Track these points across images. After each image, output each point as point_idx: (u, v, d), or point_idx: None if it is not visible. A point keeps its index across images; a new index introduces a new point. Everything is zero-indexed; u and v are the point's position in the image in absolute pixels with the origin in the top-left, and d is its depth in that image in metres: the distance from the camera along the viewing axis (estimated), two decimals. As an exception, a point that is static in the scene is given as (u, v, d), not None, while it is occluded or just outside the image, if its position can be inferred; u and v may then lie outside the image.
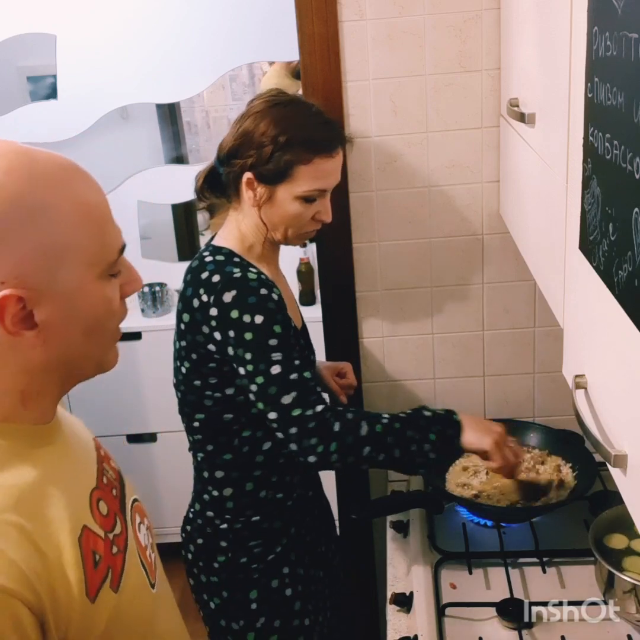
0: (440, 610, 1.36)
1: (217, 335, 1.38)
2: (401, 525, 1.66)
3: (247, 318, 1.35)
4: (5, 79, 3.02)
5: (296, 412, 1.33)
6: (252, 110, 1.42)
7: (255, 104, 1.44)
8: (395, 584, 1.51)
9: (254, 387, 1.36)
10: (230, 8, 2.49)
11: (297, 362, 1.36)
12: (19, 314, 0.75)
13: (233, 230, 1.48)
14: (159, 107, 3.15)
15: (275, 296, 1.39)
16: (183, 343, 1.46)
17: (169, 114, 3.21)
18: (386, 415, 1.38)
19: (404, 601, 1.42)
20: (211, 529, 1.51)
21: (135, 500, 0.99)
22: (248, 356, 1.35)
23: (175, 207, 3.15)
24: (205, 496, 1.53)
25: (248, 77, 3.70)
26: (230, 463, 1.48)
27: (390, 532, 1.67)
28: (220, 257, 1.43)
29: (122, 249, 0.83)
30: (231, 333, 1.36)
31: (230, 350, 1.38)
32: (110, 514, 0.87)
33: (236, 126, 1.43)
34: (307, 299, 2.79)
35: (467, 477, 1.67)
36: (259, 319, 1.35)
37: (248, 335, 1.35)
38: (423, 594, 1.41)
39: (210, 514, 1.52)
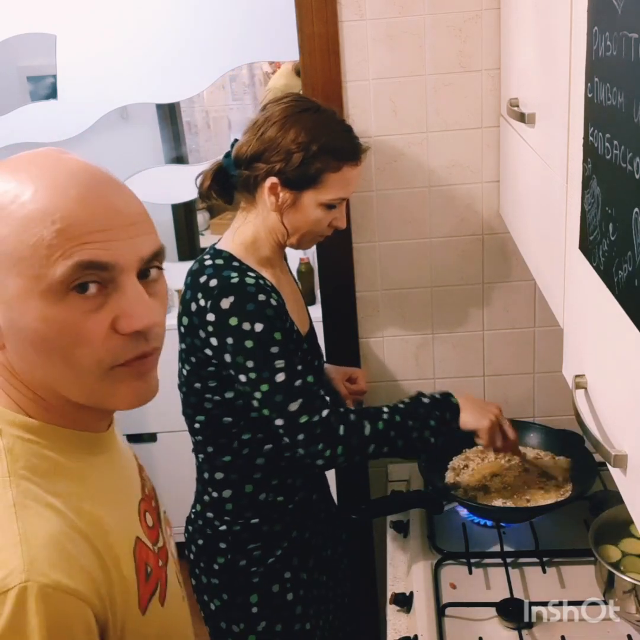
0: (440, 610, 1.36)
1: (214, 341, 1.38)
2: (401, 525, 1.66)
3: (246, 326, 1.34)
4: (5, 79, 3.02)
5: (303, 419, 1.35)
6: (277, 116, 1.41)
7: (278, 110, 1.42)
8: (395, 584, 1.51)
9: (258, 394, 1.36)
10: (230, 8, 2.49)
11: (299, 367, 1.37)
12: None
13: (241, 233, 1.47)
14: (159, 107, 3.15)
15: (273, 301, 1.38)
16: (183, 346, 1.46)
17: (169, 114, 3.21)
18: (386, 409, 1.42)
19: (404, 601, 1.42)
20: (211, 530, 1.51)
21: (164, 511, 0.98)
22: (250, 364, 1.35)
23: (175, 207, 3.15)
24: (206, 497, 1.53)
25: (248, 77, 3.70)
26: (229, 465, 1.48)
27: (390, 532, 1.67)
28: (219, 261, 1.42)
29: (92, 265, 0.71)
30: (230, 340, 1.36)
31: (228, 357, 1.37)
32: (154, 526, 0.87)
33: (257, 131, 1.42)
34: (307, 299, 2.78)
35: (455, 477, 1.67)
36: (259, 326, 1.35)
37: (249, 343, 1.35)
38: (423, 594, 1.41)
39: (210, 515, 1.52)
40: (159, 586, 0.81)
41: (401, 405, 1.45)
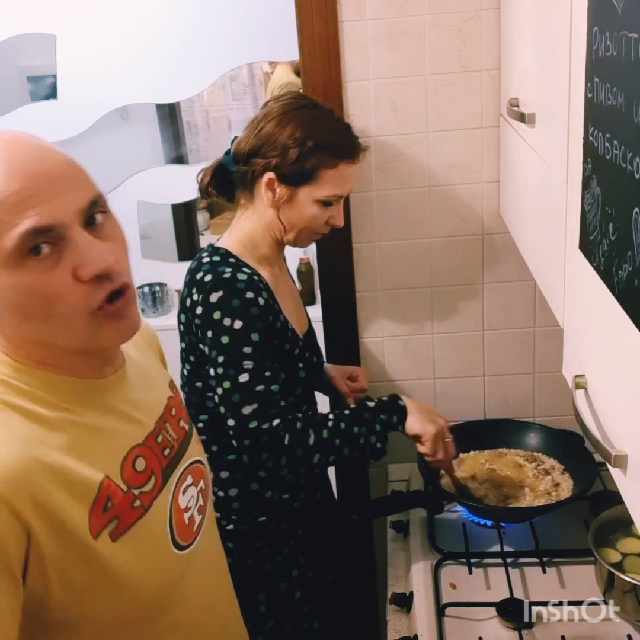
0: (440, 610, 1.36)
1: (199, 334, 1.40)
2: (401, 525, 1.66)
3: (227, 321, 1.36)
4: (5, 79, 3.02)
5: (253, 425, 1.35)
6: (275, 112, 1.43)
7: (276, 106, 1.44)
8: (395, 584, 1.51)
9: (219, 390, 1.37)
10: (230, 8, 2.49)
11: (268, 373, 1.37)
12: None
13: (239, 230, 1.49)
14: (159, 107, 3.15)
15: (261, 300, 1.39)
16: (183, 345, 1.47)
17: (169, 114, 3.21)
18: (332, 417, 1.41)
19: (404, 601, 1.42)
20: (218, 531, 1.51)
21: (196, 462, 1.03)
22: (220, 359, 1.36)
23: (175, 207, 3.16)
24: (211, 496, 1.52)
25: (248, 77, 3.70)
26: (234, 464, 1.48)
27: (390, 532, 1.67)
28: (216, 258, 1.43)
29: (36, 230, 0.76)
30: (209, 333, 1.37)
31: (206, 350, 1.39)
32: (146, 471, 0.91)
33: (256, 127, 1.44)
34: (307, 299, 2.78)
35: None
36: (238, 324, 1.36)
37: (224, 339, 1.36)
38: (423, 594, 1.41)
39: (216, 514, 1.52)
40: (116, 522, 0.84)
41: (347, 412, 1.44)
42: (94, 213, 0.81)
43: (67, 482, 0.80)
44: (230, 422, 1.36)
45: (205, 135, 3.94)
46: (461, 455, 1.73)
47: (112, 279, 0.81)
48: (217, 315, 1.36)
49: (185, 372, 1.48)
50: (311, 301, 2.78)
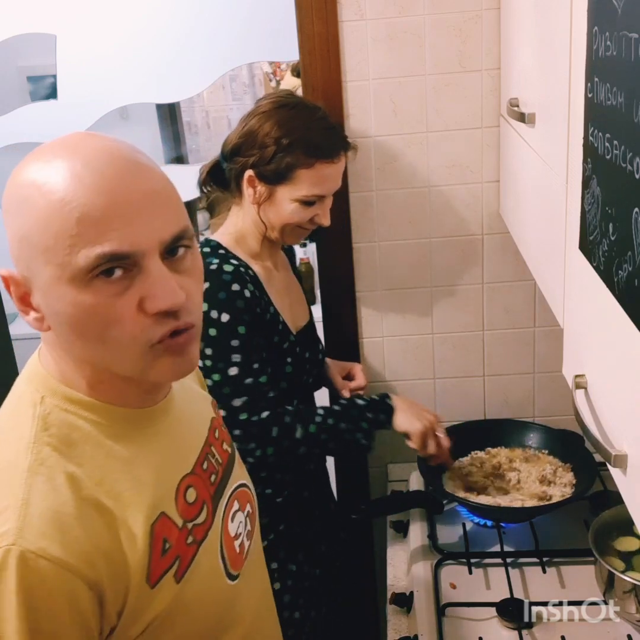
0: (440, 610, 1.36)
1: None
2: (401, 525, 1.66)
3: (214, 314, 1.37)
4: (5, 79, 3.02)
5: (243, 416, 1.40)
6: (259, 110, 1.44)
7: (262, 104, 1.46)
8: (395, 584, 1.51)
9: (209, 383, 1.39)
10: (230, 8, 2.49)
11: (255, 365, 1.40)
12: (20, 292, 0.78)
13: (231, 225, 1.51)
14: (159, 107, 3.15)
15: (247, 292, 1.40)
16: None
17: (169, 114, 3.21)
18: (321, 412, 1.47)
19: (404, 601, 1.42)
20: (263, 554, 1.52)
21: (241, 485, 1.00)
22: (208, 351, 1.39)
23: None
24: None
25: (248, 77, 3.70)
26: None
27: (390, 532, 1.67)
28: (206, 249, 1.45)
29: (114, 256, 0.72)
30: None
31: None
32: (197, 502, 0.87)
33: (242, 124, 1.45)
34: (307, 299, 2.78)
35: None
36: (225, 317, 1.37)
37: (212, 332, 1.38)
38: (423, 594, 1.41)
39: None
40: (178, 563, 0.81)
41: (336, 408, 1.49)
42: (177, 246, 0.77)
43: (122, 530, 0.76)
44: (222, 413, 1.37)
45: (205, 135, 3.93)
46: (466, 457, 1.74)
47: (178, 317, 0.77)
48: (203, 307, 1.36)
49: None
50: (311, 301, 2.77)
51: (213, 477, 0.92)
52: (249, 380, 1.40)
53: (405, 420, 1.50)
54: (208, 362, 1.39)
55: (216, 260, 1.41)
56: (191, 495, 0.86)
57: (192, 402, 0.97)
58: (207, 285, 1.36)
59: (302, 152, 1.39)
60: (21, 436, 0.77)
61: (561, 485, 1.61)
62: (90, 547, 0.73)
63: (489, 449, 1.75)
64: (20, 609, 0.69)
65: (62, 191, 0.72)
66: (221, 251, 1.45)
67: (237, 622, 0.92)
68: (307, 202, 1.43)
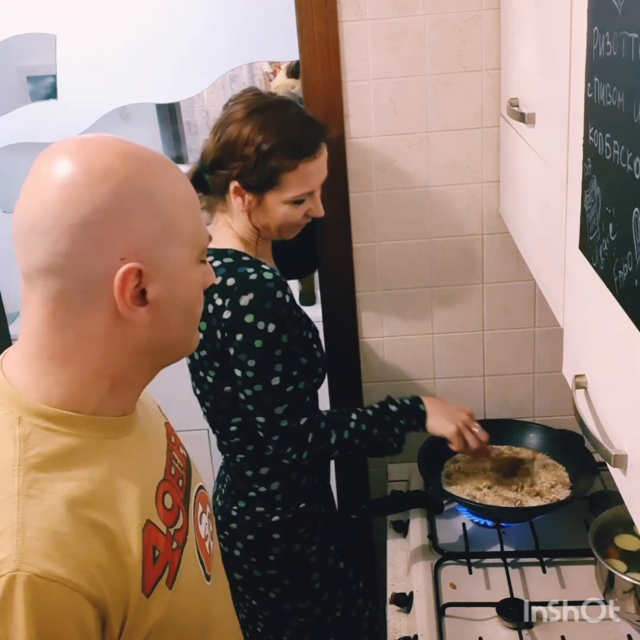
0: (440, 610, 1.36)
1: (224, 335, 1.39)
2: (401, 525, 1.66)
3: (261, 325, 1.37)
4: (5, 79, 3.02)
5: (284, 423, 1.43)
6: (232, 117, 1.42)
7: (234, 110, 1.43)
8: (395, 584, 1.51)
9: (248, 392, 1.41)
10: (230, 8, 2.49)
11: (294, 372, 1.42)
12: (134, 290, 0.78)
13: (226, 231, 1.49)
14: (159, 107, 3.15)
15: (288, 298, 1.41)
16: (203, 353, 1.45)
17: (169, 114, 3.21)
18: (354, 417, 1.50)
19: (404, 601, 1.42)
20: (262, 524, 1.55)
21: (200, 488, 1.00)
22: (251, 363, 1.39)
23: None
24: (251, 493, 1.55)
25: (248, 77, 3.69)
26: (273, 458, 1.51)
27: (390, 532, 1.67)
28: (228, 260, 1.43)
29: (210, 238, 0.88)
30: (239, 336, 1.38)
31: (231, 351, 1.39)
32: (174, 507, 0.88)
33: (216, 135, 1.43)
34: (307, 298, 2.79)
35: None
36: (271, 327, 1.37)
37: (257, 343, 1.38)
38: (423, 594, 1.41)
39: (260, 509, 1.55)
40: (168, 569, 0.81)
41: (370, 412, 1.52)
42: None
43: (118, 543, 0.76)
44: (260, 419, 1.43)
45: (205, 135, 3.91)
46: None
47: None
48: (249, 318, 1.36)
49: (210, 380, 1.48)
50: (311, 301, 2.78)
51: (180, 482, 0.93)
52: (290, 388, 1.42)
53: (438, 424, 1.53)
54: (249, 373, 1.39)
55: (251, 269, 1.39)
56: (168, 501, 0.87)
57: (146, 407, 0.96)
58: (251, 296, 1.36)
59: (284, 155, 1.38)
60: (4, 459, 0.75)
61: (561, 485, 1.60)
62: (91, 565, 0.72)
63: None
64: (30, 635, 0.68)
65: (183, 181, 0.84)
66: (245, 258, 1.44)
67: (214, 626, 0.93)
68: (297, 202, 1.43)
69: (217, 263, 1.42)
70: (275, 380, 1.40)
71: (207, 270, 0.89)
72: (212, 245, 1.48)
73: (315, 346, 1.55)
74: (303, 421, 1.44)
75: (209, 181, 1.46)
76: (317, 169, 1.44)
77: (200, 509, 0.97)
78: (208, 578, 0.92)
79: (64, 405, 0.79)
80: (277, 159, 1.38)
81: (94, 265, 0.76)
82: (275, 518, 1.55)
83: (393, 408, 1.53)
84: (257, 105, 1.42)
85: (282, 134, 1.39)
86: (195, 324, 0.89)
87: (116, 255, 0.76)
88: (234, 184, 1.41)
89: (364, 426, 1.49)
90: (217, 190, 1.46)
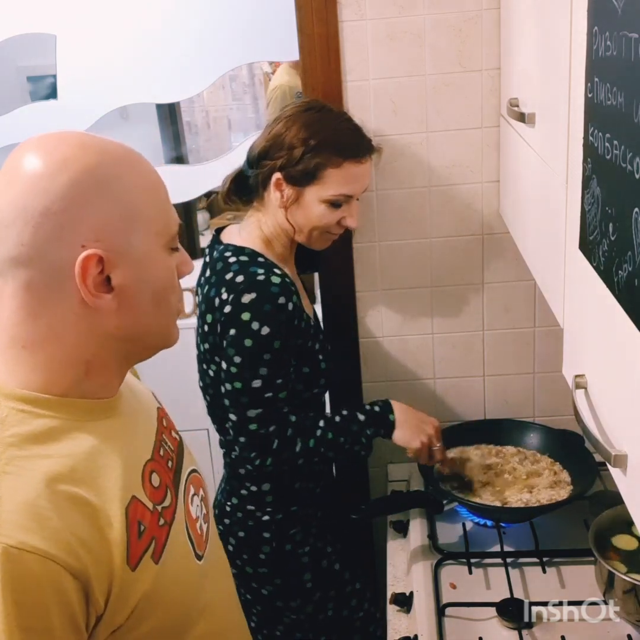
0: (440, 610, 1.36)
1: (222, 328, 1.41)
2: (401, 525, 1.66)
3: (255, 325, 1.37)
4: (5, 79, 3.01)
5: (252, 426, 1.42)
6: (284, 114, 1.45)
7: (287, 109, 1.47)
8: (395, 584, 1.51)
9: (228, 386, 1.41)
10: (230, 8, 2.49)
11: (279, 380, 1.42)
12: (98, 277, 0.79)
13: (254, 230, 1.50)
14: (159, 107, 3.15)
15: (291, 305, 1.40)
16: (206, 346, 1.47)
17: (169, 114, 3.21)
18: (322, 424, 1.49)
19: (404, 601, 1.42)
20: (253, 522, 1.56)
21: (192, 471, 1.02)
22: (237, 359, 1.39)
23: (175, 207, 3.14)
24: (243, 491, 1.56)
25: (248, 77, 3.70)
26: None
27: (390, 532, 1.67)
28: (244, 258, 1.44)
29: (180, 226, 0.88)
30: (232, 331, 1.39)
31: (224, 344, 1.41)
32: (161, 486, 0.89)
33: (268, 129, 1.46)
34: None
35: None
36: (265, 330, 1.37)
37: (248, 342, 1.38)
38: (423, 594, 1.41)
39: (251, 507, 1.56)
40: (154, 544, 0.83)
41: (337, 419, 1.51)
42: None
43: (100, 517, 0.77)
44: (232, 417, 1.43)
45: (205, 135, 3.93)
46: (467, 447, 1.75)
47: None
48: (246, 316, 1.37)
49: (211, 373, 1.49)
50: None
51: (170, 463, 0.95)
52: (268, 394, 1.41)
53: (403, 438, 1.54)
54: (233, 369, 1.40)
55: (261, 271, 1.40)
56: (155, 479, 0.89)
57: (137, 392, 0.98)
58: (253, 295, 1.37)
59: (331, 151, 1.40)
60: None
61: (561, 485, 1.60)
62: (70, 537, 0.73)
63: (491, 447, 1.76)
64: (7, 606, 0.69)
65: (149, 170, 0.84)
66: (260, 259, 1.44)
67: (208, 606, 0.94)
68: (334, 204, 1.44)
69: (233, 259, 1.44)
70: (256, 383, 1.40)
71: (182, 259, 0.89)
72: (233, 242, 1.49)
73: (321, 357, 1.55)
74: (271, 428, 1.43)
75: (252, 178, 1.47)
76: (360, 173, 1.45)
77: (193, 491, 0.99)
78: (199, 557, 0.93)
79: (40, 389, 0.81)
80: (322, 154, 1.40)
81: (58, 253, 0.77)
82: (266, 518, 1.55)
83: (361, 417, 1.52)
84: (311, 106, 1.47)
85: (332, 132, 1.42)
86: (171, 313, 0.88)
87: (77, 243, 0.77)
88: (276, 176, 1.42)
89: (331, 434, 1.48)
90: (259, 184, 1.47)
